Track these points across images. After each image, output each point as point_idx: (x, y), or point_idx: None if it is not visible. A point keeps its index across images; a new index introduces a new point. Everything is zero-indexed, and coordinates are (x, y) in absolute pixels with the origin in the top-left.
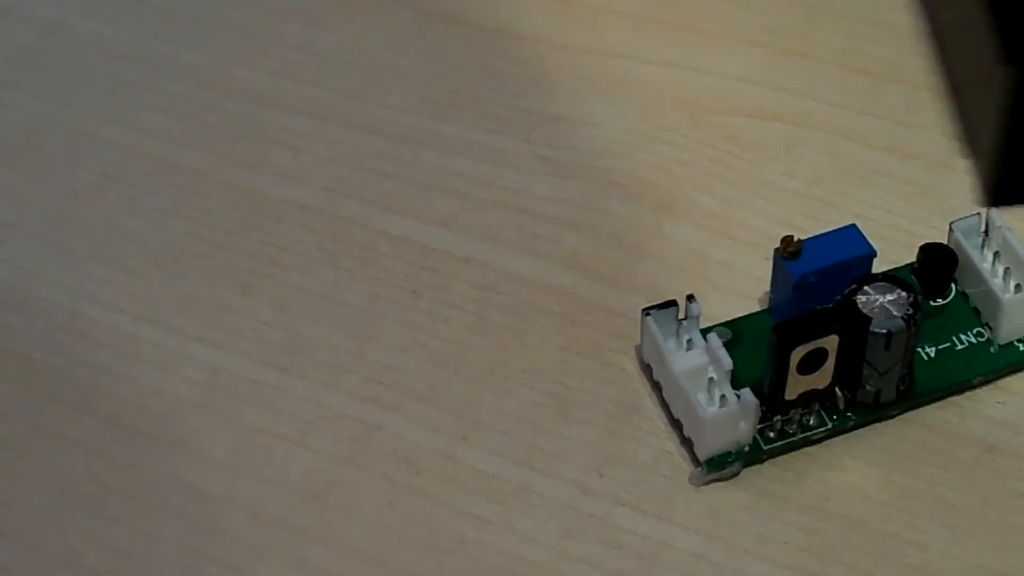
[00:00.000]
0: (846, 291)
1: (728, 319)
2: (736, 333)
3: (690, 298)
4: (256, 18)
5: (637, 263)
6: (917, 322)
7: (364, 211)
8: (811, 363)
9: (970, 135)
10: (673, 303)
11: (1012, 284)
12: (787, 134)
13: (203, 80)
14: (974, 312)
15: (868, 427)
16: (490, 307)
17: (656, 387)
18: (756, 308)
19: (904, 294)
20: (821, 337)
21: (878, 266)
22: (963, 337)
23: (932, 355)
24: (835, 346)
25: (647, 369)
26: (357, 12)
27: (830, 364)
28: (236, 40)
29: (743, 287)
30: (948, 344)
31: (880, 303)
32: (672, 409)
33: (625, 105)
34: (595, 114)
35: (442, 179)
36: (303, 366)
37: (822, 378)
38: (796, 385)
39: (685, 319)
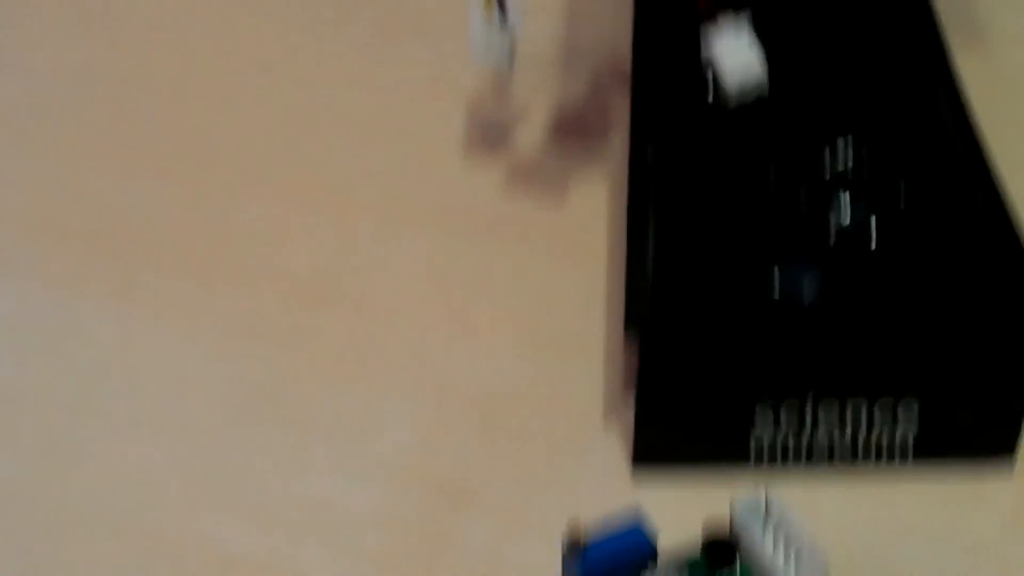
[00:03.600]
0: None
1: None
2: None
3: None
4: (65, 327)
5: (434, 556)
6: None
7: (170, 518)
8: None
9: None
10: None
11: (791, 564)
12: (574, 424)
13: (16, 392)
14: None
15: None
16: None
17: None
18: None
19: None
20: None
21: None
22: None
23: None
24: None
25: None
26: (158, 323)
27: None
28: (47, 349)
29: None
30: None
31: None
32: None
33: (420, 400)
34: (392, 409)
35: (246, 483)
36: None
37: None
38: None
39: None
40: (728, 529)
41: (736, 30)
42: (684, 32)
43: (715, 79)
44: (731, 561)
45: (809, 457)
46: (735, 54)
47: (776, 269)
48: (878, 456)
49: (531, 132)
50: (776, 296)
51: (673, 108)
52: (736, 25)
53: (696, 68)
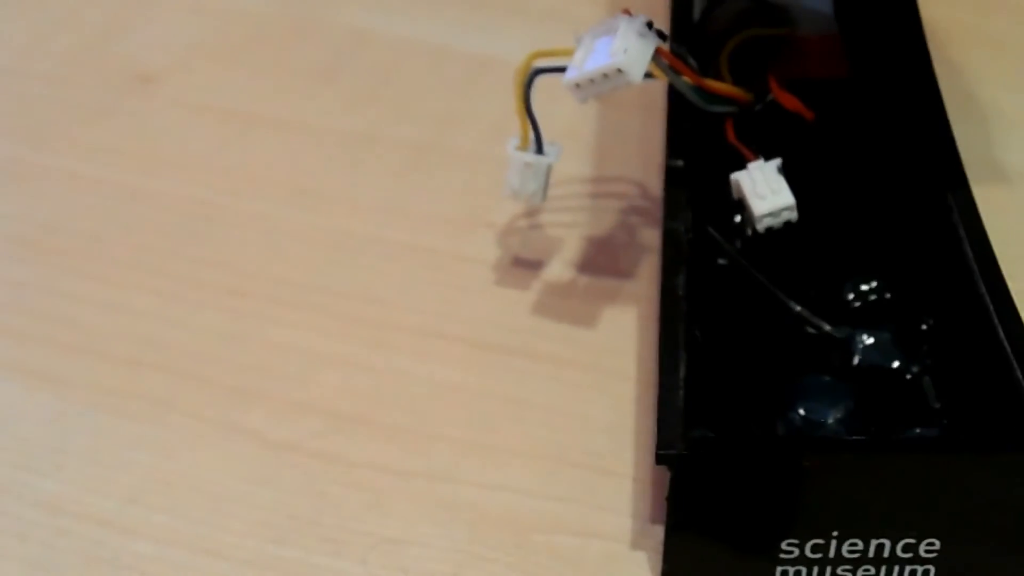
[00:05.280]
0: None
1: None
2: None
3: None
4: (105, 446)
5: None
6: None
7: None
8: None
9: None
10: None
11: None
12: (605, 549)
13: (57, 506)
14: None
15: None
16: None
17: None
18: None
19: None
20: None
21: None
22: None
23: None
24: None
25: None
26: (201, 442)
27: None
28: (87, 467)
29: None
30: None
31: None
32: None
33: (453, 526)
34: (426, 535)
35: None
36: None
37: None
38: None
39: None
40: None
41: (766, 169)
42: (713, 169)
43: (746, 214)
44: None
45: None
46: (764, 184)
47: (802, 388)
48: None
49: (562, 265)
50: (802, 419)
51: (702, 237)
52: (767, 167)
53: (725, 202)
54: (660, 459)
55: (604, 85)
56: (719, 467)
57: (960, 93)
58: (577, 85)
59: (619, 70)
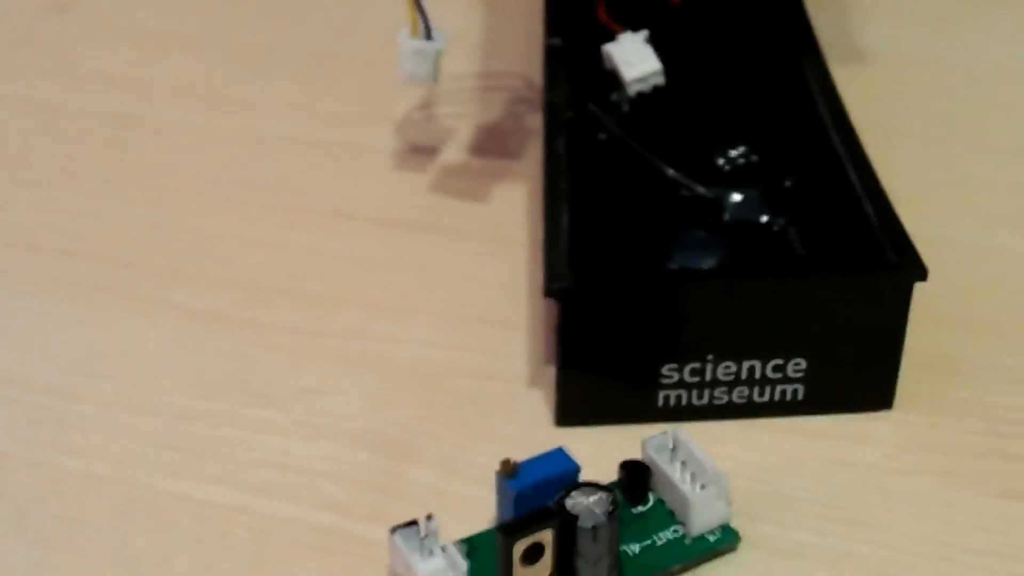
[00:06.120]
0: (556, 497)
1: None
2: (471, 548)
3: (429, 517)
4: (44, 326)
5: (385, 502)
6: (617, 516)
7: (149, 476)
8: (532, 555)
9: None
10: (415, 522)
11: (698, 486)
12: (505, 389)
13: (2, 379)
14: (670, 514)
15: None
16: (263, 546)
17: None
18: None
19: (604, 495)
20: (538, 531)
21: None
22: (662, 535)
23: (636, 551)
24: (550, 540)
25: None
26: (133, 318)
27: (548, 556)
28: (28, 346)
29: (475, 515)
30: (650, 542)
31: (585, 504)
32: None
33: (366, 376)
34: (341, 385)
35: (215, 446)
36: None
37: (543, 570)
38: None
39: (426, 536)
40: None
41: (635, 38)
42: (588, 52)
43: (618, 81)
44: (645, 482)
45: (711, 414)
46: (633, 53)
47: (678, 242)
48: (772, 410)
49: (456, 149)
50: (679, 267)
51: (581, 110)
52: (635, 38)
53: (600, 75)
54: (548, 292)
55: None
56: (602, 299)
57: None
58: None
59: None
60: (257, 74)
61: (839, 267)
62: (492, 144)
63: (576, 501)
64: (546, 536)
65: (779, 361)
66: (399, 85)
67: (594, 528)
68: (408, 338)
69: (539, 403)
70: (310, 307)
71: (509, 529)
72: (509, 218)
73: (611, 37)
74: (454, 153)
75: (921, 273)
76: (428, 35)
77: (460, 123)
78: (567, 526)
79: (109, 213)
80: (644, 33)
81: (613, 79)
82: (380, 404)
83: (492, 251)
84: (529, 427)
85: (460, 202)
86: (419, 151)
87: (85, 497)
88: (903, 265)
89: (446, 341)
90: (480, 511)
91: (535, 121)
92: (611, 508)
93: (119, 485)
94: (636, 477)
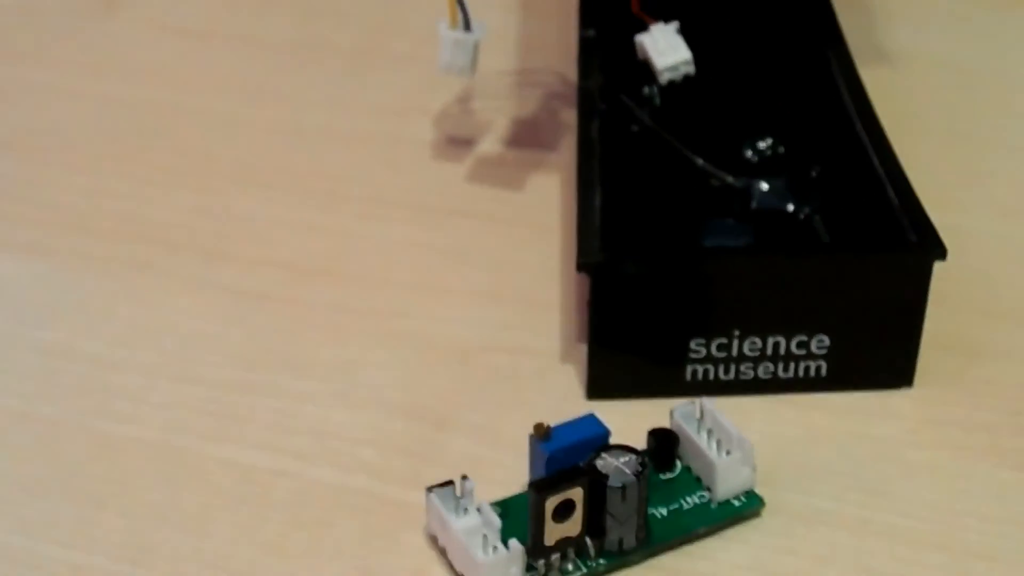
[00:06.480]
0: (587, 458)
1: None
2: (504, 510)
3: (464, 477)
4: (91, 302)
5: (421, 467)
6: (646, 477)
7: (193, 442)
8: (563, 512)
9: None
10: (451, 482)
11: (724, 453)
12: (537, 364)
13: (51, 351)
14: (697, 480)
15: (616, 572)
16: (302, 507)
17: (442, 552)
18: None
19: (634, 457)
20: (569, 488)
21: None
22: (689, 499)
23: (664, 514)
24: (581, 497)
25: (433, 540)
26: (178, 295)
27: (579, 514)
28: (76, 320)
29: (509, 480)
30: (677, 505)
31: (615, 464)
32: (456, 566)
33: (403, 351)
34: (379, 358)
35: (257, 414)
36: (150, 560)
37: (573, 527)
38: (552, 532)
39: (462, 496)
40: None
41: (666, 29)
42: (622, 44)
43: (650, 72)
44: (672, 448)
45: (737, 388)
46: (664, 43)
47: (707, 229)
48: (795, 386)
49: (492, 141)
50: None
51: (614, 101)
52: (666, 26)
53: (633, 66)
54: (580, 266)
55: None
56: (632, 274)
57: None
58: None
59: None
60: (298, 69)
61: (861, 247)
62: (527, 136)
63: (606, 462)
64: (577, 494)
65: (803, 338)
66: (436, 80)
67: (623, 487)
68: (444, 316)
69: (571, 378)
70: (349, 287)
71: (541, 486)
72: (543, 205)
73: (644, 29)
74: (490, 145)
75: (940, 252)
76: (467, 26)
77: (496, 116)
78: (597, 484)
79: (156, 198)
80: (675, 24)
81: (646, 70)
82: (417, 377)
83: (526, 236)
84: (561, 400)
85: (495, 190)
86: (456, 142)
87: (132, 460)
88: (922, 245)
89: (481, 319)
90: (513, 476)
91: (570, 115)
92: (640, 469)
93: (165, 449)
94: (664, 444)
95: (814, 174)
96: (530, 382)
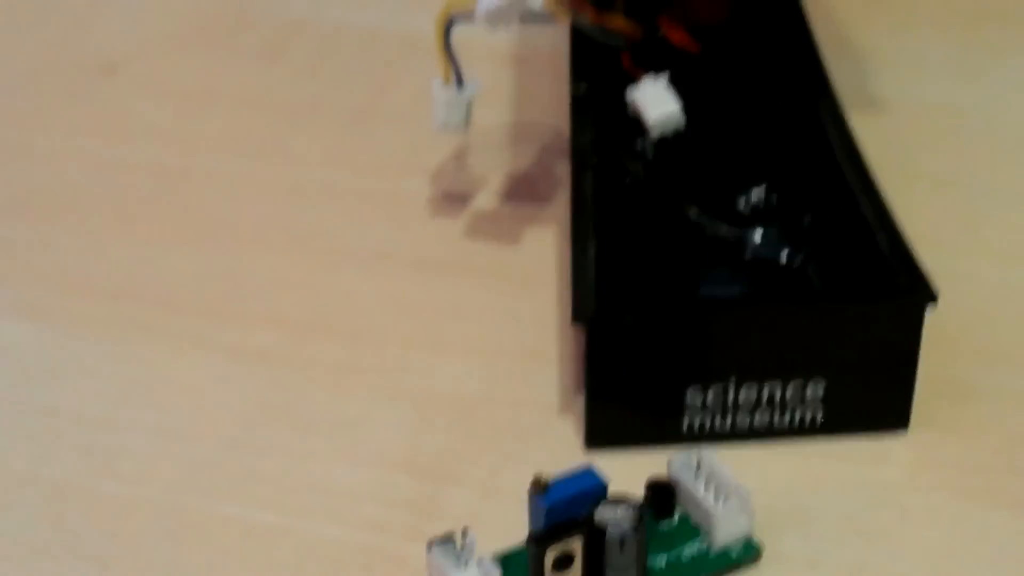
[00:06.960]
0: (586, 510)
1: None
2: (504, 563)
3: (464, 531)
4: (93, 364)
5: (423, 522)
6: (644, 528)
7: (197, 501)
8: (562, 564)
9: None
10: (451, 536)
11: (721, 501)
12: (537, 416)
13: (54, 412)
14: (695, 528)
15: None
16: (306, 565)
17: None
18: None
19: (632, 508)
20: (567, 540)
21: None
22: (688, 548)
23: (663, 565)
24: (579, 550)
25: None
26: (179, 355)
27: (578, 565)
28: (79, 381)
29: (509, 534)
30: (676, 554)
31: (613, 516)
32: None
33: (404, 406)
34: (381, 414)
35: (260, 472)
36: None
37: None
38: None
39: (462, 549)
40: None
41: (656, 83)
42: (614, 99)
43: (642, 126)
44: (670, 499)
45: (734, 437)
46: (654, 97)
47: (702, 280)
48: (791, 432)
49: (488, 196)
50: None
51: (607, 155)
52: (656, 80)
53: (624, 120)
54: (576, 319)
55: (510, 12)
56: (627, 326)
57: (839, 37)
58: (488, 12)
59: None
60: (298, 129)
61: (853, 294)
62: (522, 190)
63: (604, 514)
64: (575, 545)
65: (798, 385)
66: (432, 138)
67: (621, 539)
68: (443, 371)
69: (569, 429)
70: (349, 343)
71: (540, 538)
72: (539, 258)
73: (636, 82)
74: (486, 199)
75: (931, 296)
76: (460, 83)
77: (491, 171)
78: (595, 536)
79: (157, 258)
80: (665, 76)
81: (637, 125)
82: (417, 432)
83: (522, 290)
84: (560, 452)
85: (491, 245)
86: (452, 198)
87: (136, 520)
88: (913, 290)
89: (479, 373)
90: (513, 531)
91: (563, 168)
92: (638, 520)
93: (169, 509)
94: (662, 495)
95: (806, 222)
96: (529, 434)
